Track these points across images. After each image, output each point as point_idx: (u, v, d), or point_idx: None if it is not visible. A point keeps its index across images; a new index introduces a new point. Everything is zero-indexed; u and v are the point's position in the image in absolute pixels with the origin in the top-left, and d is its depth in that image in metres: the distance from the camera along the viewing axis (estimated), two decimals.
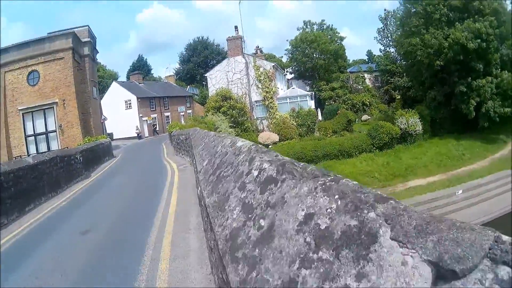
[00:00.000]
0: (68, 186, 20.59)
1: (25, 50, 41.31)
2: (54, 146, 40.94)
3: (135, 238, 10.31)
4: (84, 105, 43.98)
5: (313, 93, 60.30)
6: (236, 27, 54.66)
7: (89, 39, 46.39)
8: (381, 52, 78.89)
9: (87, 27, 47.12)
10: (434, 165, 38.91)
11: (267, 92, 51.28)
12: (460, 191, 32.88)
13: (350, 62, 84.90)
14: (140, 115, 69.33)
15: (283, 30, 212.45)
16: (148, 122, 71.26)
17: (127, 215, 13.30)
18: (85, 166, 25.24)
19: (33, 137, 42.00)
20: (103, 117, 48.50)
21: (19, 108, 41.24)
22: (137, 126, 66.43)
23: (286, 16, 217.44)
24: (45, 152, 38.15)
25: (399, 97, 69.67)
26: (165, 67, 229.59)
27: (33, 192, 16.19)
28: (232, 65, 52.52)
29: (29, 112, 41.60)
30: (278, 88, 53.59)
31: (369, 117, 64.74)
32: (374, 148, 42.80)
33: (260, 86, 51.69)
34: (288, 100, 53.15)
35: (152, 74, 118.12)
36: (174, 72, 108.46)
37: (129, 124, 66.44)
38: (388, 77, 73.13)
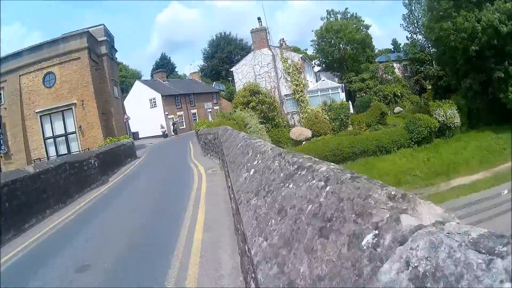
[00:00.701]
0: (80, 194, 18.46)
1: (39, 53, 40.37)
2: (75, 147, 39.93)
3: None
4: (105, 105, 42.73)
5: (343, 85, 57.77)
6: (259, 19, 52.76)
7: (105, 37, 45.13)
8: (408, 39, 75.59)
9: (103, 26, 45.82)
10: (475, 161, 36.82)
11: (296, 85, 49.17)
12: (506, 191, 30.48)
13: (375, 52, 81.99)
14: (166, 113, 68.00)
15: (304, 24, 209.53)
16: (175, 119, 69.88)
17: (137, 247, 9.86)
18: (101, 170, 23.00)
19: (52, 139, 40.83)
20: (126, 117, 46.90)
21: (36, 111, 40.19)
22: (161, 125, 65.07)
23: (306, 11, 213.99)
24: (64, 154, 36.87)
25: (430, 87, 67.20)
26: (189, 65, 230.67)
27: (35, 206, 14.17)
28: (259, 58, 50.51)
29: (47, 114, 40.58)
30: (307, 80, 51.37)
31: (402, 109, 62.02)
32: (413, 142, 40.61)
33: (289, 79, 49.63)
34: (319, 93, 50.78)
35: (177, 72, 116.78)
36: (199, 69, 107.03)
37: (154, 123, 65.20)
38: (418, 66, 70.20)
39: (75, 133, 40.32)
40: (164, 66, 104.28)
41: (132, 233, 11.12)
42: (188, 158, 29.00)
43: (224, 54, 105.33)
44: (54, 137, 40.92)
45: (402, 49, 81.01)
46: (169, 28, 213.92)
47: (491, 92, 44.00)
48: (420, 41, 71.69)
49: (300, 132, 44.75)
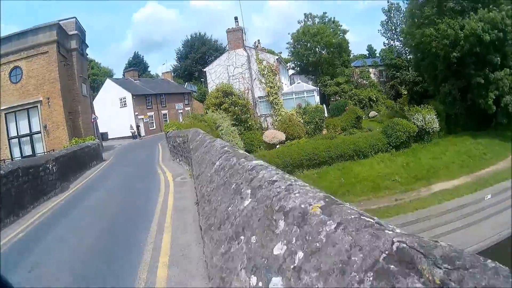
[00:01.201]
0: (35, 205, 15.78)
1: (7, 45, 37.52)
2: (40, 148, 37.27)
3: None
4: (72, 104, 40.33)
5: (318, 88, 56.59)
6: (236, 18, 50.56)
7: (76, 31, 42.61)
8: (385, 45, 75.49)
9: (74, 19, 43.22)
10: (456, 166, 36.38)
11: (271, 87, 47.60)
12: (489, 196, 30.34)
13: (351, 57, 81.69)
14: (136, 113, 65.85)
15: (280, 28, 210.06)
16: (145, 120, 67.74)
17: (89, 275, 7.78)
18: (61, 176, 20.07)
19: (17, 139, 38.15)
20: (94, 116, 44.48)
21: (0, 108, 37.51)
22: (131, 125, 62.83)
23: (282, 14, 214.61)
24: (29, 156, 34.73)
25: (406, 92, 67.38)
26: (162, 64, 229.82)
27: None
28: (233, 59, 48.75)
29: (12, 112, 37.84)
30: (282, 83, 49.96)
31: (377, 113, 61.38)
32: (390, 147, 39.65)
33: (263, 81, 47.99)
34: (294, 96, 49.33)
35: (149, 71, 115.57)
36: (172, 69, 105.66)
37: (124, 123, 62.96)
38: (394, 72, 69.95)
39: (40, 133, 37.73)
40: (137, 65, 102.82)
41: (83, 259, 8.84)
42: (156, 162, 27.07)
43: (198, 54, 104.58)
44: (19, 137, 38.20)
45: (379, 55, 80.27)
46: (145, 28, 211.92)
47: (470, 98, 43.94)
48: (397, 47, 72.21)
49: (273, 135, 43.25)
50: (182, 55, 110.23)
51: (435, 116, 41.94)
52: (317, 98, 50.97)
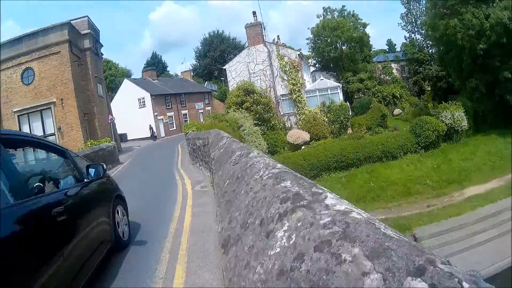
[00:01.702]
0: None
1: (19, 46, 36.74)
2: None
3: None
4: (87, 105, 39.34)
5: (341, 85, 54.76)
6: (254, 13, 49.22)
7: (89, 30, 41.57)
8: (406, 39, 73.23)
9: (87, 17, 42.16)
10: (487, 168, 34.12)
11: (293, 84, 45.96)
12: None
13: (372, 52, 79.77)
14: (155, 113, 65.16)
15: (298, 25, 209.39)
16: (165, 120, 67.06)
17: None
18: None
19: None
20: (110, 117, 43.11)
21: (13, 110, 36.76)
22: (150, 126, 61.96)
23: (300, 10, 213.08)
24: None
25: (429, 88, 65.63)
26: (180, 63, 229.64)
27: None
28: (253, 55, 47.27)
29: (25, 114, 37.02)
30: (305, 80, 48.33)
31: (401, 111, 59.90)
32: (420, 147, 37.90)
33: (285, 77, 46.44)
34: (317, 93, 47.51)
35: (168, 71, 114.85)
36: (191, 68, 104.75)
37: (143, 124, 62.33)
38: (417, 67, 67.89)
39: (54, 135, 36.59)
40: (156, 65, 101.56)
41: None
42: (174, 167, 25.42)
43: (217, 53, 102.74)
44: None
45: (401, 49, 78.31)
46: (162, 27, 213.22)
47: (498, 93, 41.78)
48: (419, 40, 69.81)
49: (298, 135, 41.71)
50: (201, 53, 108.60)
51: (463, 114, 39.98)
52: (341, 95, 49.42)
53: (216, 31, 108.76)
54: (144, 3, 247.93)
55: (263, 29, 48.27)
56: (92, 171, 7.60)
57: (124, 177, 24.12)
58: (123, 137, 59.98)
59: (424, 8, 64.88)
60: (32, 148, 6.66)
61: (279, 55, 46.65)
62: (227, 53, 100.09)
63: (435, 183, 32.26)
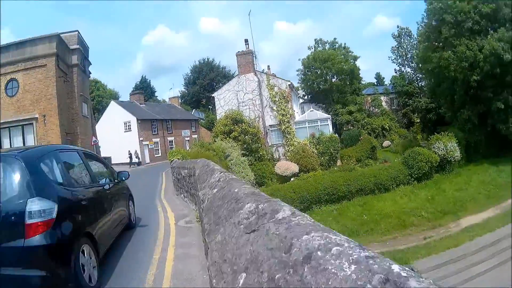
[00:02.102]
0: None
1: (5, 55, 34.88)
2: None
3: None
4: (70, 124, 37.74)
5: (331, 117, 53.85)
6: (246, 41, 48.34)
7: (78, 46, 40.07)
8: (396, 72, 73.97)
9: (77, 32, 40.69)
10: (482, 197, 33.72)
11: (283, 115, 45.05)
12: None
13: (361, 84, 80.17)
14: (141, 138, 63.98)
15: (288, 57, 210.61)
16: (150, 146, 65.79)
17: None
18: None
19: None
20: (94, 140, 41.35)
21: None
22: (129, 152, 60.76)
23: (291, 41, 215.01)
24: None
25: (418, 120, 65.89)
26: (169, 89, 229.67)
27: None
28: (243, 84, 46.29)
29: (6, 127, 35.05)
30: (294, 111, 47.44)
31: (390, 142, 59.50)
32: (412, 179, 37.03)
33: (274, 108, 45.56)
34: (307, 125, 46.69)
35: (156, 96, 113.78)
36: (179, 95, 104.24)
37: (128, 148, 60.65)
38: (406, 99, 68.08)
39: None
40: (144, 89, 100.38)
41: None
42: (157, 196, 23.51)
43: (206, 81, 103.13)
44: None
45: (390, 82, 79.47)
46: (154, 52, 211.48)
47: (490, 123, 42.01)
48: (409, 73, 70.34)
49: (286, 166, 40.53)
50: (190, 80, 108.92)
51: (456, 144, 39.56)
52: (331, 127, 48.65)
53: (206, 59, 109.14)
54: (139, 25, 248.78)
55: (254, 57, 47.55)
56: (121, 175, 12.37)
57: None
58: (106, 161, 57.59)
59: (415, 42, 66.16)
60: (93, 160, 11.07)
61: (269, 85, 45.83)
62: (216, 81, 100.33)
63: (430, 215, 31.45)
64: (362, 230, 29.67)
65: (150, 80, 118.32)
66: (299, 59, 69.72)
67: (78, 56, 40.17)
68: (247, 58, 46.75)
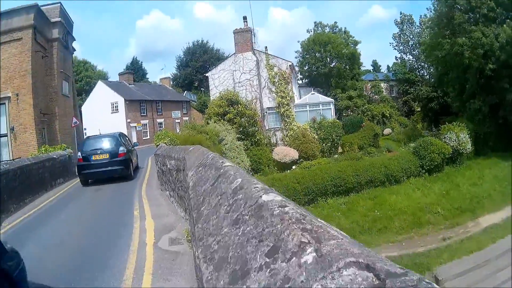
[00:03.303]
0: None
1: None
2: (6, 155, 30.26)
3: None
4: (48, 104, 33.83)
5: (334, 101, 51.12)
6: (245, 18, 44.73)
7: (60, 19, 35.79)
8: (396, 59, 72.56)
9: (59, 4, 36.42)
10: (498, 194, 30.71)
11: (282, 97, 41.80)
12: None
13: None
14: (128, 120, 60.88)
15: (282, 43, 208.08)
16: (138, 128, 62.59)
17: None
18: None
19: None
20: (74, 121, 37.00)
21: None
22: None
23: (284, 28, 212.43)
24: None
25: (419, 109, 64.74)
26: (160, 69, 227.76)
27: None
28: (240, 63, 42.83)
29: None
30: (294, 93, 44.33)
31: (391, 130, 57.67)
32: (423, 171, 34.10)
33: (273, 89, 42.32)
34: (307, 108, 43.66)
35: (148, 79, 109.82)
36: (171, 77, 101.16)
37: (115, 130, 56.18)
38: (407, 87, 66.87)
39: (7, 136, 30.80)
40: (135, 71, 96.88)
41: None
42: (137, 191, 19.05)
43: (199, 63, 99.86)
44: None
45: (390, 69, 78.76)
46: (148, 36, 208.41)
47: (502, 115, 39.60)
48: (410, 61, 69.52)
49: (285, 152, 37.48)
50: (183, 63, 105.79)
51: (467, 136, 36.72)
52: (333, 112, 45.61)
53: (200, 41, 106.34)
54: (133, 9, 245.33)
55: (253, 36, 44.19)
56: (135, 144, 29.07)
57: (73, 199, 19.06)
58: None
59: (417, 30, 66.82)
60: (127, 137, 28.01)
61: (269, 64, 42.59)
62: (209, 63, 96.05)
63: (447, 212, 28.68)
64: (375, 228, 26.63)
65: (142, 62, 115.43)
66: (298, 41, 67.79)
67: (60, 30, 36.24)
68: (245, 36, 43.46)
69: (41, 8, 33.51)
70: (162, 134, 28.64)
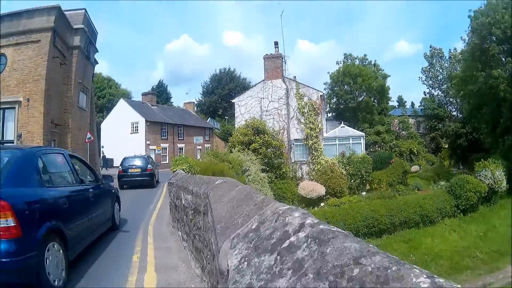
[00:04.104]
0: None
1: None
2: None
3: None
4: (61, 114, 32.57)
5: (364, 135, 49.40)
6: (276, 43, 43.27)
7: (82, 26, 35.02)
8: (425, 94, 71.08)
9: (84, 10, 35.78)
10: None
11: (311, 128, 40.06)
12: None
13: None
14: (148, 142, 59.77)
15: (308, 76, 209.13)
16: (157, 151, 61.23)
17: None
18: None
19: None
20: (88, 137, 35.96)
21: None
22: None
23: (311, 61, 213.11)
24: None
25: (446, 145, 62.96)
26: (185, 93, 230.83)
27: None
28: (269, 90, 41.38)
29: None
30: (323, 126, 42.59)
31: (418, 168, 54.75)
32: (458, 211, 32.29)
33: (302, 120, 40.60)
34: (336, 142, 41.84)
35: (172, 102, 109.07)
36: (196, 102, 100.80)
37: (133, 151, 54.46)
38: (435, 123, 65.13)
39: (13, 143, 28.23)
40: (160, 93, 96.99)
41: None
42: (143, 224, 15.73)
43: (225, 90, 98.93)
44: None
45: (420, 104, 76.02)
46: (175, 60, 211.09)
47: None
48: (439, 96, 68.03)
49: (311, 187, 35.16)
50: (208, 89, 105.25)
51: (503, 173, 35.01)
52: (363, 146, 43.63)
53: (227, 69, 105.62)
54: (163, 32, 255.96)
55: (284, 62, 42.69)
56: (158, 164, 35.98)
57: None
58: (109, 163, 55.93)
59: (446, 64, 65.10)
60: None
61: (299, 93, 40.97)
62: (235, 92, 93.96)
63: (485, 255, 26.97)
64: None
65: (167, 85, 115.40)
66: (328, 72, 66.66)
67: (82, 38, 35.25)
68: (275, 62, 41.97)
69: (65, 13, 32.78)
70: (180, 160, 25.20)
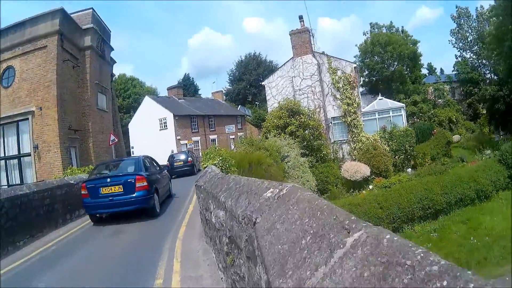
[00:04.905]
0: None
1: (3, 40, 28.70)
2: (30, 177, 27.62)
3: None
4: (80, 119, 31.31)
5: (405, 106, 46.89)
6: (301, 17, 40.86)
7: (92, 25, 33.38)
8: (457, 58, 68.72)
9: (91, 10, 34.04)
10: None
11: (348, 104, 37.67)
12: None
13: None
14: (178, 137, 57.59)
15: (335, 53, 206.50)
16: (189, 146, 58.94)
17: None
18: None
19: (4, 161, 28.90)
20: (112, 138, 33.23)
21: None
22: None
23: (334, 38, 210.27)
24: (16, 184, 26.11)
25: (484, 111, 59.43)
26: (213, 86, 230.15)
27: None
28: (299, 68, 39.22)
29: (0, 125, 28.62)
30: (360, 99, 40.26)
31: (460, 137, 53.12)
32: None
33: (338, 96, 38.25)
34: (376, 116, 39.43)
35: (200, 94, 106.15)
36: (224, 91, 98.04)
37: (164, 149, 51.78)
38: (471, 88, 63.03)
39: (31, 155, 27.91)
40: (187, 87, 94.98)
41: None
42: (170, 239, 12.44)
43: (253, 76, 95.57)
44: (6, 159, 29.10)
45: (454, 68, 72.40)
46: (199, 54, 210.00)
47: None
48: (471, 59, 65.86)
49: (356, 168, 32.99)
50: (235, 77, 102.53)
51: None
52: (405, 118, 40.98)
53: (252, 53, 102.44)
54: (183, 29, 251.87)
55: (311, 36, 40.39)
56: (199, 156, 41.93)
57: (77, 248, 12.69)
58: None
59: (474, 24, 64.14)
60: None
61: (331, 68, 38.55)
62: (263, 76, 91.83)
63: None
64: (473, 261, 21.46)
65: (193, 78, 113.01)
66: (356, 45, 64.56)
67: (93, 38, 33.66)
68: (303, 37, 39.66)
69: (72, 15, 31.80)
70: (211, 152, 22.48)
